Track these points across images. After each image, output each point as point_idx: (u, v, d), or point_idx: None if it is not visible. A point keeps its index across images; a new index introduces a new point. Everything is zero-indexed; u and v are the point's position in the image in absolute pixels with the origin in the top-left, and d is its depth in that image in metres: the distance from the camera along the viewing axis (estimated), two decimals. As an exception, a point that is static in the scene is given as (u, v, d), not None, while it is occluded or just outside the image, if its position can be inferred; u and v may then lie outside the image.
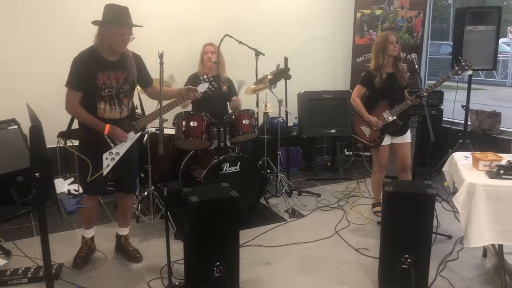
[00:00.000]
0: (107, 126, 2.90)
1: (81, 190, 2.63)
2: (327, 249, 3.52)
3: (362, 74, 4.09)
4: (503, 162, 2.81)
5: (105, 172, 2.90)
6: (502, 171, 2.73)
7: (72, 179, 2.20)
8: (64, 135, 2.94)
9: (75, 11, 4.46)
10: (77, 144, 3.01)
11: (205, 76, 3.18)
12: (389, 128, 3.93)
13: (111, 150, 2.94)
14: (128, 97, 3.04)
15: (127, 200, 3.33)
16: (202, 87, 3.15)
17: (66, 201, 1.60)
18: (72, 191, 1.78)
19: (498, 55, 13.47)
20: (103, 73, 2.90)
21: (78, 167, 2.91)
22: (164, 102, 3.00)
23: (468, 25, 4.78)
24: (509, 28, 14.00)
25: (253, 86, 4.35)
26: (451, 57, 5.09)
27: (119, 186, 3.31)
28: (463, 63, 3.82)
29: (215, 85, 3.22)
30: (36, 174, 1.55)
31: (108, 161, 2.92)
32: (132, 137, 3.04)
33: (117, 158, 2.95)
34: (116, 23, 2.82)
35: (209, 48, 4.42)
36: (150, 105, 3.60)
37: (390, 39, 3.80)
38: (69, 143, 2.88)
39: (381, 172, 4.11)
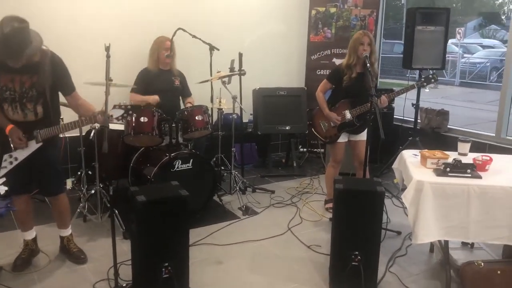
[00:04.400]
0: (9, 127, 2.72)
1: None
2: (279, 247, 3.51)
3: (331, 70, 4.08)
4: (449, 160, 2.88)
5: (1, 173, 2.68)
6: (448, 169, 2.79)
7: (4, 179, 2.05)
8: None
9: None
10: None
11: (123, 103, 2.88)
12: (346, 127, 3.96)
13: (11, 153, 2.76)
14: (34, 103, 2.82)
15: (58, 202, 3.15)
16: (116, 113, 2.85)
17: (-6, 203, 1.48)
18: (2, 192, 1.64)
19: (447, 55, 13.98)
20: (7, 75, 2.70)
21: None
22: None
23: (419, 25, 4.90)
24: (457, 29, 14.57)
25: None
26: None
27: (43, 190, 3.17)
28: (430, 76, 3.87)
29: (131, 114, 2.94)
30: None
31: (6, 163, 2.73)
32: (33, 146, 2.81)
33: (15, 163, 2.76)
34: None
35: (169, 44, 4.25)
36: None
37: (361, 39, 3.74)
38: None
39: (336, 168, 4.15)
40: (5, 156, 2.73)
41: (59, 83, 2.89)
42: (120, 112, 2.86)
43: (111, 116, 2.80)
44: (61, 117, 3.11)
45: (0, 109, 2.77)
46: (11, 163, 2.74)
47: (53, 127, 2.85)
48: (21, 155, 2.78)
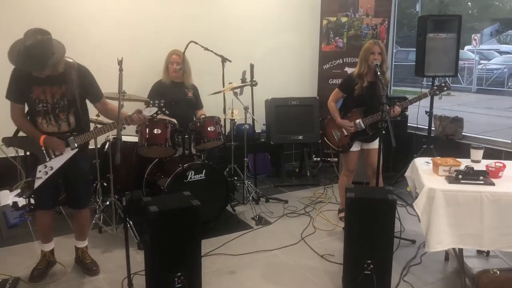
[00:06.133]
0: (43, 137, 2.83)
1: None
2: (292, 256, 3.51)
3: (342, 79, 4.08)
4: (462, 167, 2.86)
5: (36, 184, 2.79)
6: (460, 176, 2.77)
7: (19, 190, 2.11)
8: (7, 141, 2.85)
9: (22, 14, 4.24)
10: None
11: (157, 101, 2.98)
12: (359, 136, 3.96)
13: (45, 163, 2.85)
14: (67, 112, 2.91)
15: (80, 216, 3.22)
16: (149, 111, 2.95)
17: (9, 213, 1.53)
18: (18, 204, 1.70)
19: (464, 62, 13.77)
20: (38, 87, 2.80)
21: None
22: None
23: (430, 32, 4.88)
24: (473, 35, 14.46)
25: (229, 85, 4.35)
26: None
27: (69, 202, 3.23)
28: (442, 83, 3.86)
29: (165, 111, 3.09)
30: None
31: (41, 173, 2.82)
32: (68, 153, 2.91)
33: (50, 173, 2.85)
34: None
35: (175, 58, 4.36)
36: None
37: (372, 49, 3.74)
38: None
39: (349, 176, 4.13)
40: (39, 167, 2.83)
41: (87, 92, 2.99)
42: (154, 109, 2.96)
43: (145, 114, 2.93)
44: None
45: (33, 124, 2.88)
46: (46, 173, 2.83)
47: (87, 132, 2.95)
48: (56, 163, 2.87)
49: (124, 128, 2.88)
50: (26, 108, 2.93)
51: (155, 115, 3.01)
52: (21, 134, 2.97)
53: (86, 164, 3.14)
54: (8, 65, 2.71)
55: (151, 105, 2.96)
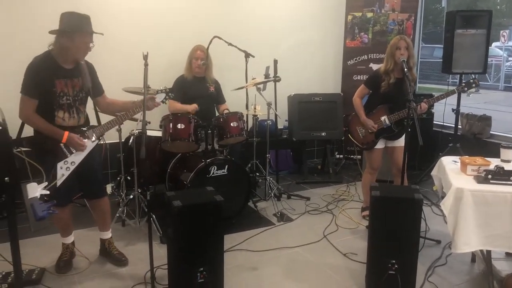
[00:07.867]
0: (66, 134, 2.81)
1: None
2: (315, 254, 3.48)
3: (368, 75, 4.02)
4: (491, 167, 2.78)
5: (59, 182, 2.77)
6: (490, 176, 2.70)
7: (46, 183, 2.14)
8: (14, 142, 2.78)
9: (37, 11, 4.23)
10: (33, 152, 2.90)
11: (163, 87, 3.11)
12: (384, 133, 3.90)
13: (66, 159, 2.84)
14: (84, 105, 2.99)
15: (101, 204, 3.25)
16: (159, 98, 3.06)
17: (37, 206, 1.55)
18: (45, 196, 1.74)
19: (491, 59, 13.43)
20: (61, 80, 2.83)
21: (33, 176, 2.79)
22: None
23: (459, 28, 4.76)
24: (501, 32, 14.08)
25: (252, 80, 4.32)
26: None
27: (88, 193, 3.26)
28: (471, 80, 3.77)
29: (171, 95, 3.16)
30: (6, 178, 1.49)
31: (63, 170, 2.81)
32: (89, 146, 2.94)
33: (72, 168, 2.86)
34: (79, 31, 2.74)
35: (199, 54, 4.36)
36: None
37: (398, 44, 3.68)
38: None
39: (373, 174, 4.08)
40: (60, 164, 2.81)
41: (93, 85, 3.05)
42: (162, 95, 3.07)
43: (157, 101, 3.04)
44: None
45: (50, 119, 2.84)
46: (68, 168, 2.83)
47: (106, 123, 3.00)
48: (78, 158, 2.89)
49: (149, 122, 2.89)
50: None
51: (165, 100, 3.12)
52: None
53: (99, 154, 3.20)
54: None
55: (159, 92, 3.08)
